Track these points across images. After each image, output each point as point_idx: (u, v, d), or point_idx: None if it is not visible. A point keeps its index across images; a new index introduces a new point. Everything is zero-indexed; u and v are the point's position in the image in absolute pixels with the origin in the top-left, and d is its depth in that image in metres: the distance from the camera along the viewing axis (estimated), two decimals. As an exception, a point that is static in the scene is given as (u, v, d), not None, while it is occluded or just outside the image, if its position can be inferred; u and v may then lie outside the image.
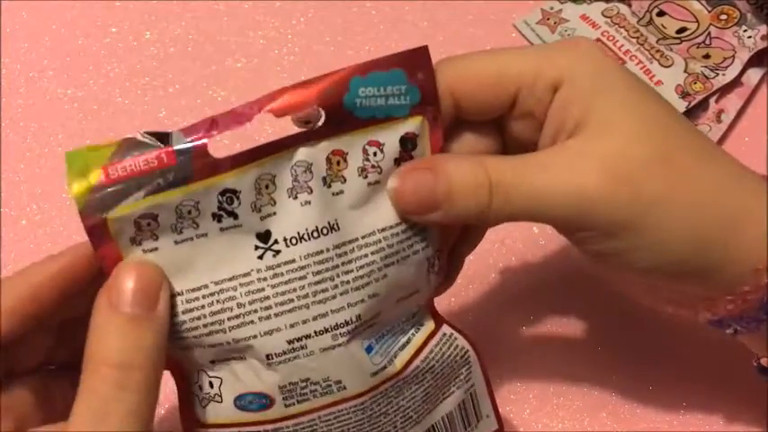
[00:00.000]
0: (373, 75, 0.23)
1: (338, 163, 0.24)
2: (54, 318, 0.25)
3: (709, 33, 0.48)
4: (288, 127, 0.24)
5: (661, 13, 0.49)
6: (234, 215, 0.23)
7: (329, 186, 0.24)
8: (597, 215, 0.25)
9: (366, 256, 0.25)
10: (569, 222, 0.26)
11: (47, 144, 0.46)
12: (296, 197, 0.23)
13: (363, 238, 0.25)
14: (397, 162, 0.25)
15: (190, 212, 0.22)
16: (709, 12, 0.49)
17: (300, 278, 0.24)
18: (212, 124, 0.22)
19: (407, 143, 0.25)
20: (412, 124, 0.25)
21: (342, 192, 0.24)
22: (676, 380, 0.38)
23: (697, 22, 0.49)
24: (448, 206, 0.25)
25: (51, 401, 0.26)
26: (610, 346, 0.39)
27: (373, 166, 0.24)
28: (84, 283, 0.24)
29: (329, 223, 0.24)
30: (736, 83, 0.47)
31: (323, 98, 0.23)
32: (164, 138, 0.22)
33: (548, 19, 0.50)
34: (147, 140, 0.22)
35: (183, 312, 0.24)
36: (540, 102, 0.26)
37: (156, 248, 0.23)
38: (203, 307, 0.24)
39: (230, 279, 0.23)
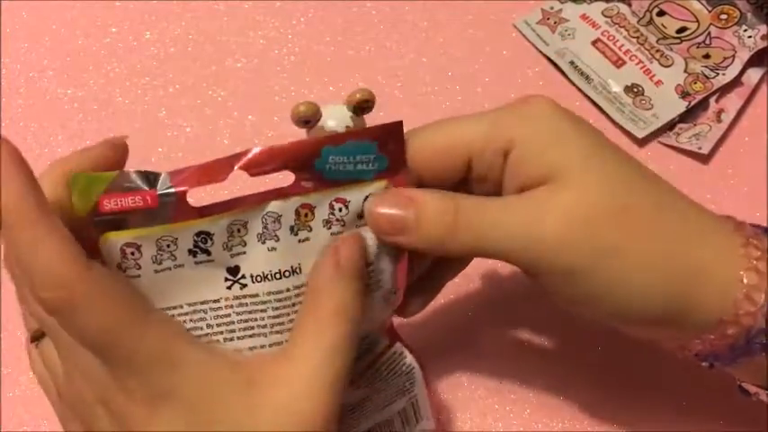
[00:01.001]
0: (345, 145, 0.26)
1: (306, 215, 0.26)
2: None
3: (709, 33, 0.48)
4: (259, 181, 0.26)
5: (661, 13, 0.49)
6: (207, 252, 0.26)
7: (296, 234, 0.26)
8: (554, 258, 0.26)
9: None
10: (528, 263, 0.27)
11: (47, 144, 0.46)
12: (264, 242, 0.26)
13: None
14: (359, 217, 0.27)
15: (169, 246, 0.25)
16: (710, 11, 0.49)
17: (261, 311, 0.27)
18: (194, 174, 0.25)
19: None
20: (377, 186, 0.27)
21: (307, 239, 0.27)
22: (676, 380, 0.38)
23: (697, 21, 0.49)
24: (415, 230, 0.26)
25: None
26: (611, 347, 0.39)
27: (338, 220, 0.27)
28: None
29: (292, 267, 0.26)
30: (736, 83, 0.47)
31: (294, 161, 0.26)
32: (152, 179, 0.25)
33: (548, 19, 0.50)
34: (136, 180, 0.24)
35: None
36: (492, 166, 0.28)
37: (138, 276, 0.25)
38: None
39: (202, 303, 0.26)
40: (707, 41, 0.48)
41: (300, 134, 0.42)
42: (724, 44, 0.48)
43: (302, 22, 0.51)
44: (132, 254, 0.25)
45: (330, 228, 0.27)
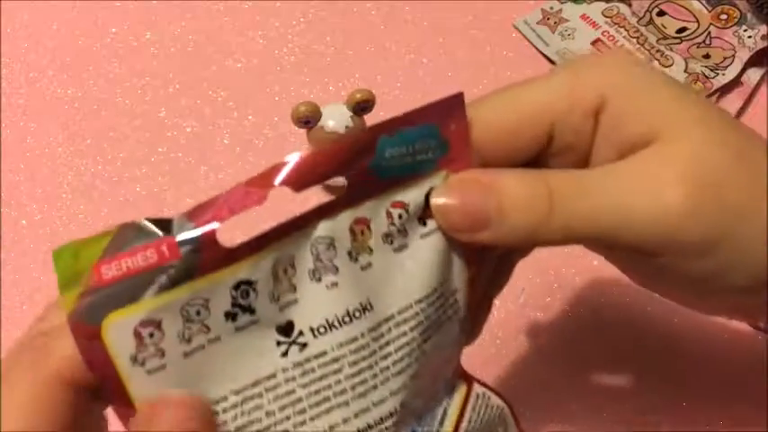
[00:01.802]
0: (402, 132, 0.21)
1: (362, 233, 0.21)
2: None
3: (709, 33, 0.48)
4: (300, 196, 0.20)
5: (661, 13, 0.49)
6: (251, 310, 0.19)
7: (356, 261, 0.21)
8: (683, 232, 0.21)
9: (405, 334, 0.22)
10: (648, 243, 0.22)
11: (47, 144, 0.46)
12: (320, 279, 0.20)
13: (400, 313, 0.22)
14: (422, 221, 0.22)
15: (198, 313, 0.19)
16: (710, 11, 0.49)
17: (335, 372, 0.20)
18: (222, 205, 0.19)
19: None
20: (437, 178, 0.22)
21: (370, 264, 0.21)
22: (676, 379, 0.38)
23: (697, 21, 0.49)
24: (499, 222, 0.21)
25: None
26: (608, 348, 0.39)
27: (399, 231, 0.22)
28: None
29: (361, 304, 0.21)
30: (736, 83, 0.47)
31: (345, 164, 0.20)
32: (166, 225, 0.18)
33: (548, 19, 0.50)
34: (144, 230, 0.18)
35: None
36: (581, 132, 0.23)
37: (163, 367, 0.19)
38: (226, 423, 0.20)
39: (253, 385, 0.20)
40: (707, 41, 0.48)
41: (301, 134, 0.42)
42: (724, 44, 0.48)
43: (302, 22, 0.51)
44: (151, 335, 0.18)
45: (392, 242, 0.22)
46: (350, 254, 0.21)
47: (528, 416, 0.38)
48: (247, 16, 0.51)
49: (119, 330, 0.18)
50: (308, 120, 0.40)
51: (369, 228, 0.21)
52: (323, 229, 0.20)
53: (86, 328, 0.18)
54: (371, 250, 0.21)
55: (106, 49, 0.50)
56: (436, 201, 0.22)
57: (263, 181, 0.19)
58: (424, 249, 0.22)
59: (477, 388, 0.26)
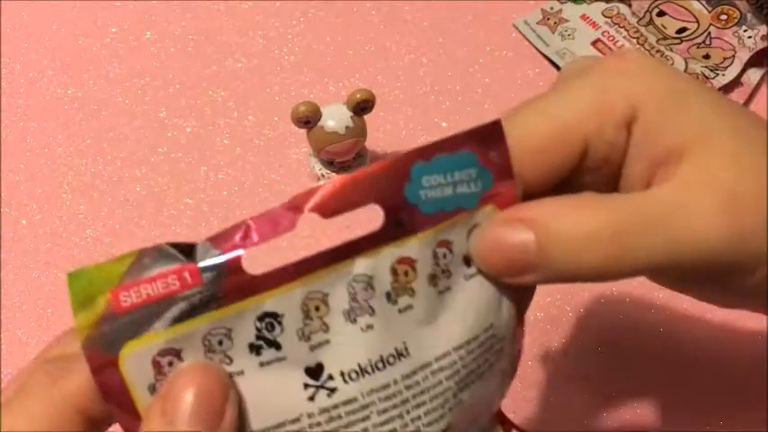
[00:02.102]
0: (438, 159, 0.19)
1: (406, 273, 0.19)
2: None
3: (709, 33, 0.48)
4: (334, 225, 0.20)
5: (661, 14, 0.49)
6: (276, 345, 0.19)
7: (395, 303, 0.19)
8: (732, 255, 0.21)
9: (441, 383, 0.20)
10: (693, 269, 0.21)
11: (47, 144, 0.46)
12: (354, 321, 0.19)
13: (437, 360, 0.20)
14: (467, 261, 0.21)
15: (221, 343, 0.18)
16: (710, 12, 0.49)
17: (363, 419, 0.19)
18: (248, 230, 0.18)
19: None
20: (482, 215, 0.20)
21: (410, 307, 0.20)
22: (676, 379, 0.38)
23: (697, 22, 0.49)
24: (545, 266, 0.20)
25: None
26: (608, 349, 0.39)
27: (443, 271, 0.20)
28: None
29: (396, 350, 0.19)
30: (736, 83, 0.47)
31: (380, 191, 0.19)
32: (187, 250, 0.18)
33: (548, 19, 0.50)
34: (165, 255, 0.18)
35: None
36: (615, 145, 0.22)
37: None
38: None
39: (276, 427, 0.19)
40: (707, 42, 0.48)
41: (301, 134, 0.42)
42: (724, 44, 0.48)
43: (302, 22, 0.51)
44: (170, 364, 0.18)
45: (437, 285, 0.20)
46: (388, 295, 0.19)
47: (527, 416, 0.38)
48: (247, 16, 0.51)
49: (137, 360, 0.18)
50: (308, 120, 0.40)
51: (413, 268, 0.19)
52: (362, 266, 0.19)
53: (103, 357, 0.18)
54: (414, 292, 0.20)
55: (106, 49, 0.50)
56: (474, 244, 0.20)
57: (293, 206, 0.18)
58: (468, 292, 0.21)
59: None
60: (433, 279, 0.20)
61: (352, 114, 0.40)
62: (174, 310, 0.18)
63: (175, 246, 0.18)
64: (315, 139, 0.41)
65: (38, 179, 0.45)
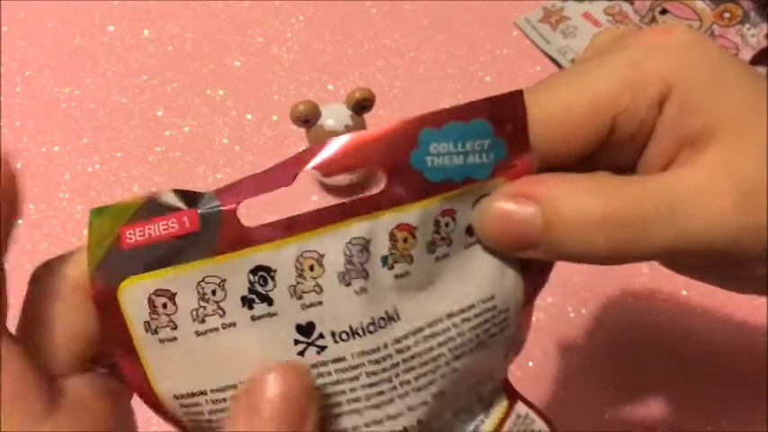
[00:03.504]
0: (449, 127, 0.19)
1: (405, 240, 0.19)
2: None
3: (712, 32, 0.48)
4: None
5: (664, 12, 0.49)
6: (268, 300, 0.19)
7: (391, 268, 0.19)
8: (749, 244, 0.20)
9: (432, 348, 0.20)
10: (731, 255, 0.20)
11: (44, 143, 0.46)
12: (348, 284, 0.19)
13: (430, 326, 0.20)
14: (469, 231, 0.20)
15: (214, 293, 0.19)
16: (713, 10, 0.49)
17: (351, 379, 0.19)
18: (249, 184, 0.19)
19: None
20: (491, 187, 0.20)
21: (406, 273, 0.20)
22: (676, 379, 0.38)
23: (700, 20, 0.48)
24: (549, 244, 0.20)
25: None
26: (609, 346, 0.39)
27: (443, 238, 0.20)
28: None
29: (387, 314, 0.19)
30: (739, 82, 0.47)
31: (384, 155, 0.19)
32: (192, 198, 0.18)
33: (549, 17, 0.50)
34: (170, 201, 0.18)
35: (211, 419, 0.20)
36: (644, 123, 0.21)
37: (174, 339, 0.19)
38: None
39: None
40: (709, 40, 0.48)
41: (300, 133, 0.41)
42: (727, 43, 0.47)
43: (301, 21, 0.50)
44: (164, 306, 0.19)
45: (434, 251, 0.20)
46: (384, 259, 0.19)
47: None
48: (246, 14, 0.51)
49: (134, 295, 0.18)
50: (308, 119, 0.39)
51: (413, 235, 0.19)
52: (360, 229, 0.19)
53: (104, 287, 0.19)
54: (411, 259, 0.19)
55: (103, 47, 0.50)
56: (477, 214, 0.20)
57: (295, 162, 0.18)
58: (467, 261, 0.21)
59: (519, 408, 0.24)
60: (431, 246, 0.20)
61: (351, 113, 0.40)
62: (172, 253, 0.18)
63: (184, 193, 0.19)
64: (314, 138, 0.40)
65: (35, 178, 0.45)
